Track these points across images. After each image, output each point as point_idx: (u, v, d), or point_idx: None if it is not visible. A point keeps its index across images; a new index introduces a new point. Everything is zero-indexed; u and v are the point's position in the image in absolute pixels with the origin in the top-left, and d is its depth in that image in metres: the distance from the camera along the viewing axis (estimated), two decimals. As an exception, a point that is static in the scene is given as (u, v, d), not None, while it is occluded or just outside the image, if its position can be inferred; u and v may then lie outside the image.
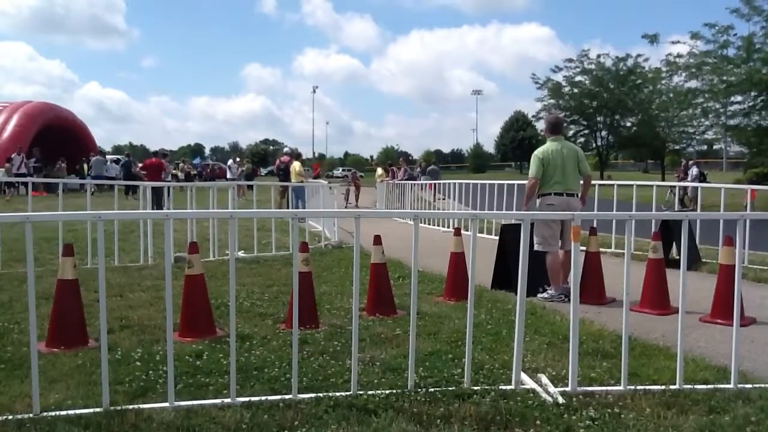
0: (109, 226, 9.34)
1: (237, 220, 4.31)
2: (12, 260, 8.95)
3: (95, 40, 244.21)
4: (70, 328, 5.21)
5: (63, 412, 3.75)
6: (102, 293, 3.90)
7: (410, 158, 28.48)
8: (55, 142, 32.40)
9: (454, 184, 16.55)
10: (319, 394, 4.04)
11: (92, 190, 17.07)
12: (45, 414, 3.71)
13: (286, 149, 25.74)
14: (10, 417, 3.65)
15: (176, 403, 3.86)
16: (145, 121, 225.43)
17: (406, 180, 21.67)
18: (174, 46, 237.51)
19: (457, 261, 7.26)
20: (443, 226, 14.04)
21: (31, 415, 3.68)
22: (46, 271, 7.68)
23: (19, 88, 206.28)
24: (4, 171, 25.04)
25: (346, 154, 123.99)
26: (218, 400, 3.95)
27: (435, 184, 20.39)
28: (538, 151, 7.39)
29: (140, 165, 23.44)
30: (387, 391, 4.08)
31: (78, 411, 3.77)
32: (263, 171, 45.77)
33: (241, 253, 9.97)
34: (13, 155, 25.96)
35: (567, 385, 4.23)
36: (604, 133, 50.28)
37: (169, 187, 10.99)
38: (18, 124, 31.39)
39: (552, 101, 49.46)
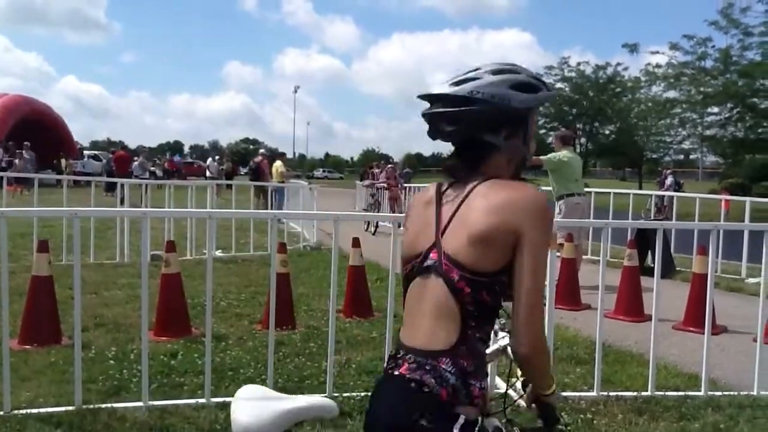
0: (85, 223, 9.25)
1: (216, 220, 4.30)
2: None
3: (74, 34, 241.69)
4: (44, 325, 5.15)
5: (34, 410, 3.72)
6: (77, 290, 3.88)
7: (391, 161, 27.60)
8: (32, 136, 31.95)
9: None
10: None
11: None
12: (16, 412, 3.68)
13: (261, 150, 25.25)
14: (-20, 414, 3.61)
15: (150, 403, 3.85)
16: (123, 117, 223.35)
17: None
18: (154, 42, 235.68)
19: (435, 265, 7.27)
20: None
21: (1, 413, 3.65)
22: (19, 267, 7.58)
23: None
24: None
25: (327, 155, 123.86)
26: (192, 400, 3.94)
27: (407, 186, 20.29)
28: (563, 155, 8.35)
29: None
30: (362, 394, 4.09)
31: (50, 409, 3.74)
32: (242, 170, 45.62)
33: (218, 253, 9.92)
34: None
35: (541, 390, 4.26)
36: (583, 140, 50.68)
37: (147, 185, 10.90)
38: (-6, 117, 30.95)
39: (532, 107, 49.69)
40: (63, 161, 31.33)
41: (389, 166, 20.63)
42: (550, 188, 8.63)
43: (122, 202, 11.07)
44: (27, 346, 4.99)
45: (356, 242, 6.55)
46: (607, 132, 49.89)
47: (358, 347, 5.29)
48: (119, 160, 23.76)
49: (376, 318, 6.29)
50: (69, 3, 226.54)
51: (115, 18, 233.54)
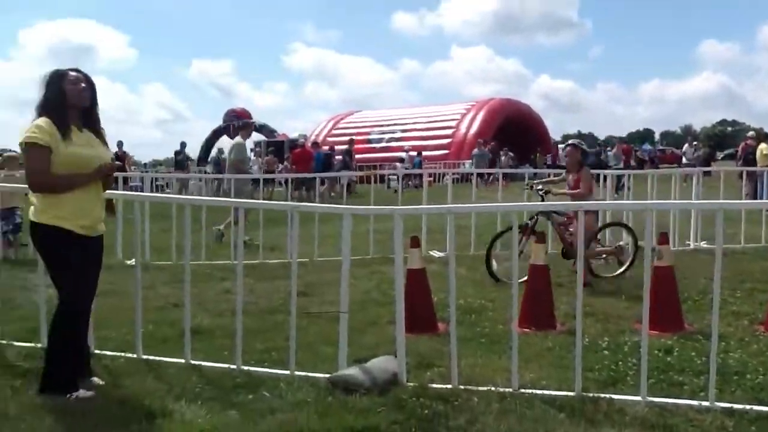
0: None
1: (722, 212, 3.97)
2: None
3: (547, 36, 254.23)
4: (541, 311, 5.51)
5: (538, 392, 3.94)
6: (580, 282, 4.01)
7: None
8: (514, 134, 34.85)
9: None
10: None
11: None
12: (522, 390, 3.94)
13: (750, 133, 22.69)
14: (493, 389, 3.97)
15: (648, 399, 3.75)
16: (592, 109, 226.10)
17: None
18: (623, 32, 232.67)
19: None
20: None
21: (510, 390, 3.95)
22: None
23: (479, 88, 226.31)
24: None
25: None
26: (695, 402, 3.71)
27: None
28: None
29: None
30: None
31: (552, 392, 3.92)
32: (720, 155, 42.36)
33: (703, 244, 9.29)
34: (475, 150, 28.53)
35: None
36: None
37: (629, 175, 10.90)
38: (483, 120, 34.61)
39: None
40: (538, 155, 33.47)
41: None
42: None
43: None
44: (526, 330, 5.31)
45: None
46: None
47: None
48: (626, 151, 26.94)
49: None
50: (542, 7, 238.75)
51: (587, 15, 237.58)
